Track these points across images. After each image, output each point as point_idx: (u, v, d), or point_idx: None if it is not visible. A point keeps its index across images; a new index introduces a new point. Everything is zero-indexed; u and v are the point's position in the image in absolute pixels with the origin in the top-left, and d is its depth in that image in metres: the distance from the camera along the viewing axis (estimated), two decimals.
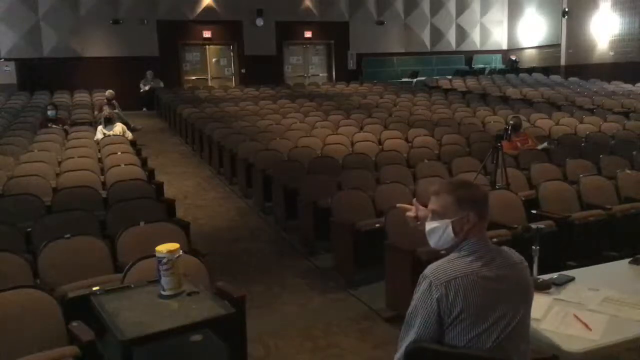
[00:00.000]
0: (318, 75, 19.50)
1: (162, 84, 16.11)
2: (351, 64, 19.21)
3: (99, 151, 8.14)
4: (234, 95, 14.78)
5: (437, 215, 1.95)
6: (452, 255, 1.92)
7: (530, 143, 7.78)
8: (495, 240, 4.27)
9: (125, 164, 6.81)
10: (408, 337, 1.86)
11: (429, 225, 1.98)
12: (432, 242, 1.99)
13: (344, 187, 5.84)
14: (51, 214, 4.82)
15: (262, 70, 17.45)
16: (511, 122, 7.92)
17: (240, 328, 3.05)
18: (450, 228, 1.91)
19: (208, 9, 17.19)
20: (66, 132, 9.60)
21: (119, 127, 9.57)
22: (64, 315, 2.97)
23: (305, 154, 7.55)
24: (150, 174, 7.10)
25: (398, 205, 2.31)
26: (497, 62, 20.99)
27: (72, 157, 7.26)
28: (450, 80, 17.22)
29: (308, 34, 18.74)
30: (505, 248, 2.00)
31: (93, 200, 5.36)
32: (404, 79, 18.84)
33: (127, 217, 4.48)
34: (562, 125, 9.97)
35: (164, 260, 2.70)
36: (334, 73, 19.32)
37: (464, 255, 1.89)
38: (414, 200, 2.19)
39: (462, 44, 20.72)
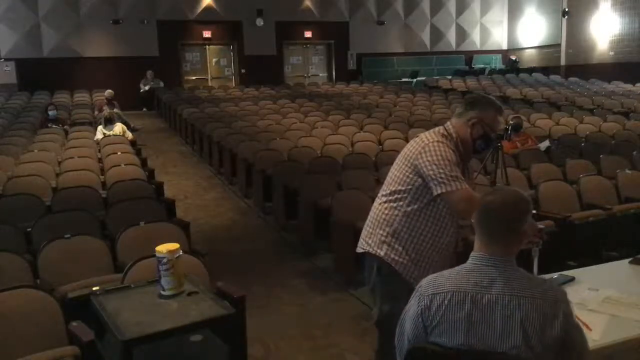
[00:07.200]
0: (318, 75, 19.49)
1: (162, 84, 16.10)
2: (351, 64, 19.21)
3: (99, 151, 8.14)
4: (234, 95, 14.78)
5: None
6: (458, 267, 1.92)
7: (530, 143, 7.77)
8: None
9: (125, 164, 6.80)
10: (401, 336, 2.00)
11: None
12: None
13: (344, 187, 5.83)
14: (51, 214, 4.80)
15: (262, 70, 17.44)
16: (511, 122, 7.89)
17: (240, 328, 3.04)
18: None
19: (208, 9, 17.19)
20: (66, 132, 9.60)
21: (119, 127, 9.59)
22: (64, 315, 2.96)
23: (305, 154, 7.54)
24: (150, 174, 7.10)
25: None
26: (497, 62, 20.99)
27: (72, 157, 7.25)
28: (450, 80, 17.22)
29: (308, 34, 18.74)
30: (527, 275, 1.84)
31: (93, 200, 5.35)
32: (404, 79, 18.85)
33: (127, 217, 4.46)
34: (562, 125, 9.96)
35: (164, 260, 2.70)
36: (334, 73, 19.32)
37: (467, 271, 1.87)
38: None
39: (462, 44, 20.72)
